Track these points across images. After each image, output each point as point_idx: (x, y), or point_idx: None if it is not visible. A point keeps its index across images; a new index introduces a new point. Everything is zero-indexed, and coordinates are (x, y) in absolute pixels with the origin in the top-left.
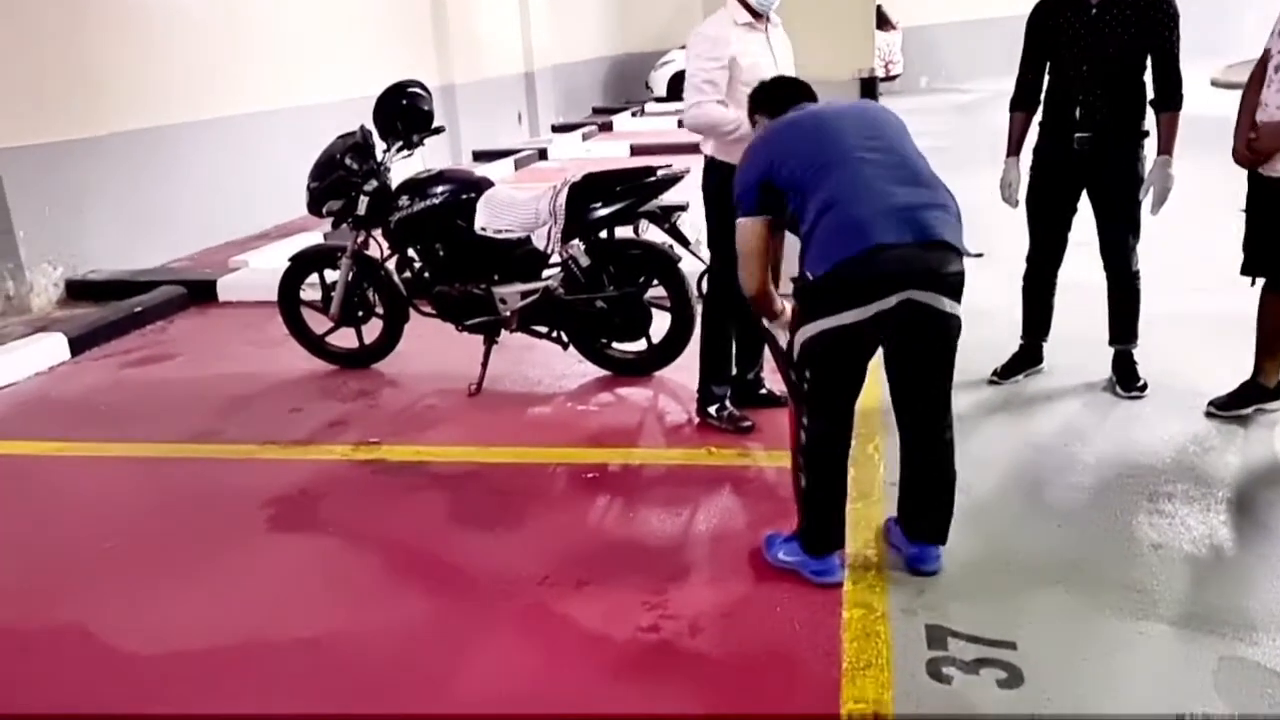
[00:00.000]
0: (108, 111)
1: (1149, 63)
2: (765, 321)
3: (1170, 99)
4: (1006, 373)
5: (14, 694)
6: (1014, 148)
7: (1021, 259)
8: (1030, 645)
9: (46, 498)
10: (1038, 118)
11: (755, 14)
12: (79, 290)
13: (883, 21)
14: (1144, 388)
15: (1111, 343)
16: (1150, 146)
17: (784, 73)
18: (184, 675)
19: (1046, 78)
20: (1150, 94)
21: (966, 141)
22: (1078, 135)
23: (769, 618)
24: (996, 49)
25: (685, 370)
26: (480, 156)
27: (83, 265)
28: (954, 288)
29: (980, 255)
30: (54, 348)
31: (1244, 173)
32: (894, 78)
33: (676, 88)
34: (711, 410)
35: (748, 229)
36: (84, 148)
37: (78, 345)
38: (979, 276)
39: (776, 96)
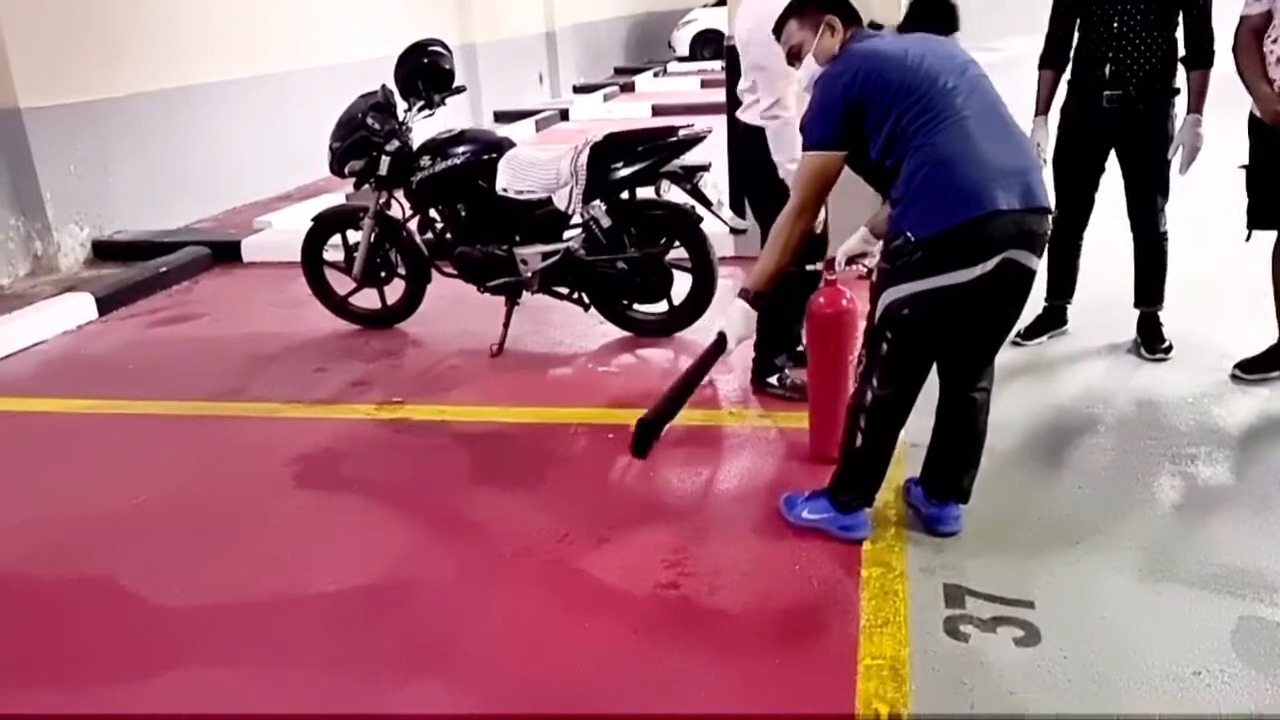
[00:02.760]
0: (134, 72)
1: (1180, 19)
2: (756, 301)
3: (1201, 56)
4: (1030, 334)
5: (46, 647)
6: (1042, 106)
7: None
8: (1048, 604)
9: (76, 454)
10: (1067, 76)
11: None
12: (106, 250)
13: None
14: (1169, 349)
15: (1137, 304)
16: (1181, 105)
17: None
18: (211, 629)
19: (1076, 35)
20: (1181, 51)
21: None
22: (1107, 93)
23: (788, 575)
24: (1025, 6)
25: (706, 332)
26: (501, 117)
27: (109, 226)
28: (1043, 247)
29: (1056, 214)
30: (82, 307)
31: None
32: None
33: (699, 47)
34: (772, 380)
35: (821, 164)
36: (110, 108)
37: (105, 305)
38: None
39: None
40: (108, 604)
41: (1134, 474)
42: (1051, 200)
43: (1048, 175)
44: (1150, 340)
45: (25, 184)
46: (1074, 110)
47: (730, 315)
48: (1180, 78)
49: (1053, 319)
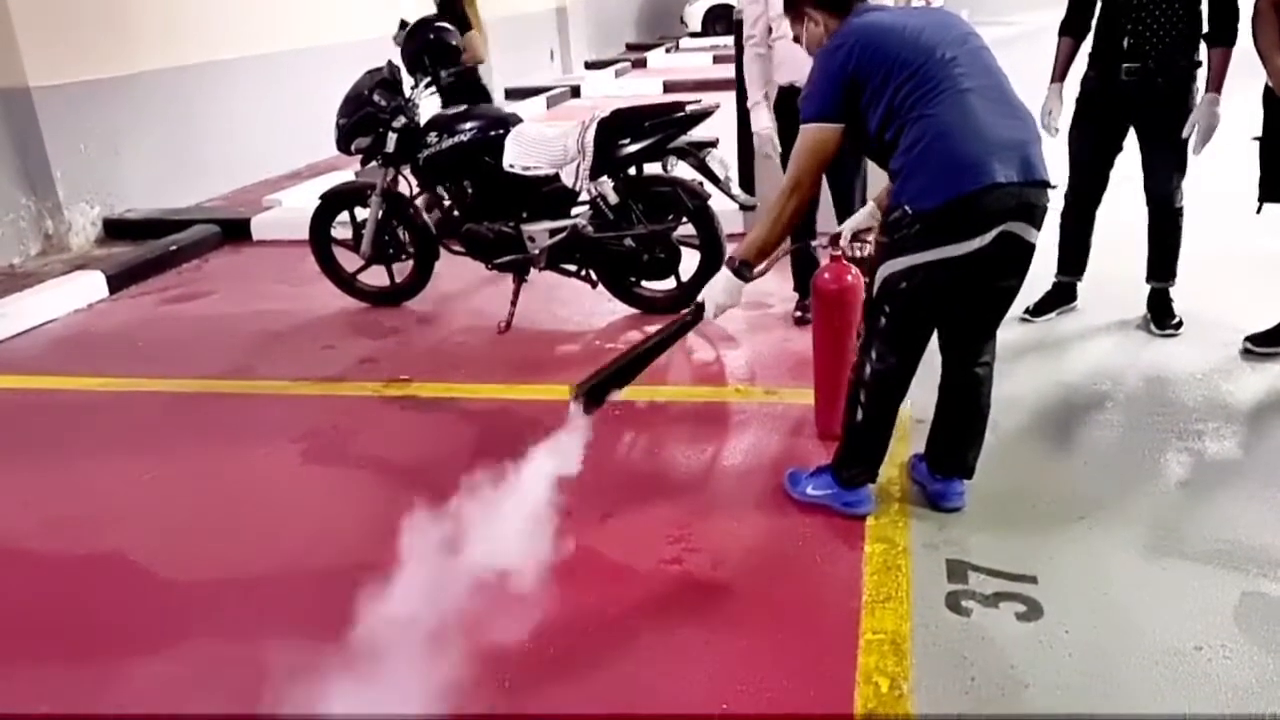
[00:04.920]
0: (143, 50)
1: None
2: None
3: (1223, 34)
4: (1039, 310)
5: (57, 619)
6: (1058, 74)
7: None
8: (1051, 580)
9: (86, 432)
10: (1087, 47)
11: None
12: (116, 229)
13: None
14: (1179, 325)
15: (1149, 279)
16: (1203, 79)
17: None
18: (218, 604)
19: (1098, 5)
20: (1205, 28)
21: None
22: (1125, 66)
23: (791, 551)
24: None
25: None
26: (512, 94)
27: (119, 204)
28: (1042, 220)
29: (1055, 187)
30: (93, 285)
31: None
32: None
33: (711, 22)
34: None
35: (818, 136)
36: (120, 86)
37: (115, 283)
38: None
39: None
40: (118, 578)
41: (1141, 450)
42: (1052, 174)
43: (1061, 145)
44: (1160, 316)
45: (36, 163)
46: (1092, 81)
47: (713, 283)
48: (1203, 52)
49: (1062, 295)
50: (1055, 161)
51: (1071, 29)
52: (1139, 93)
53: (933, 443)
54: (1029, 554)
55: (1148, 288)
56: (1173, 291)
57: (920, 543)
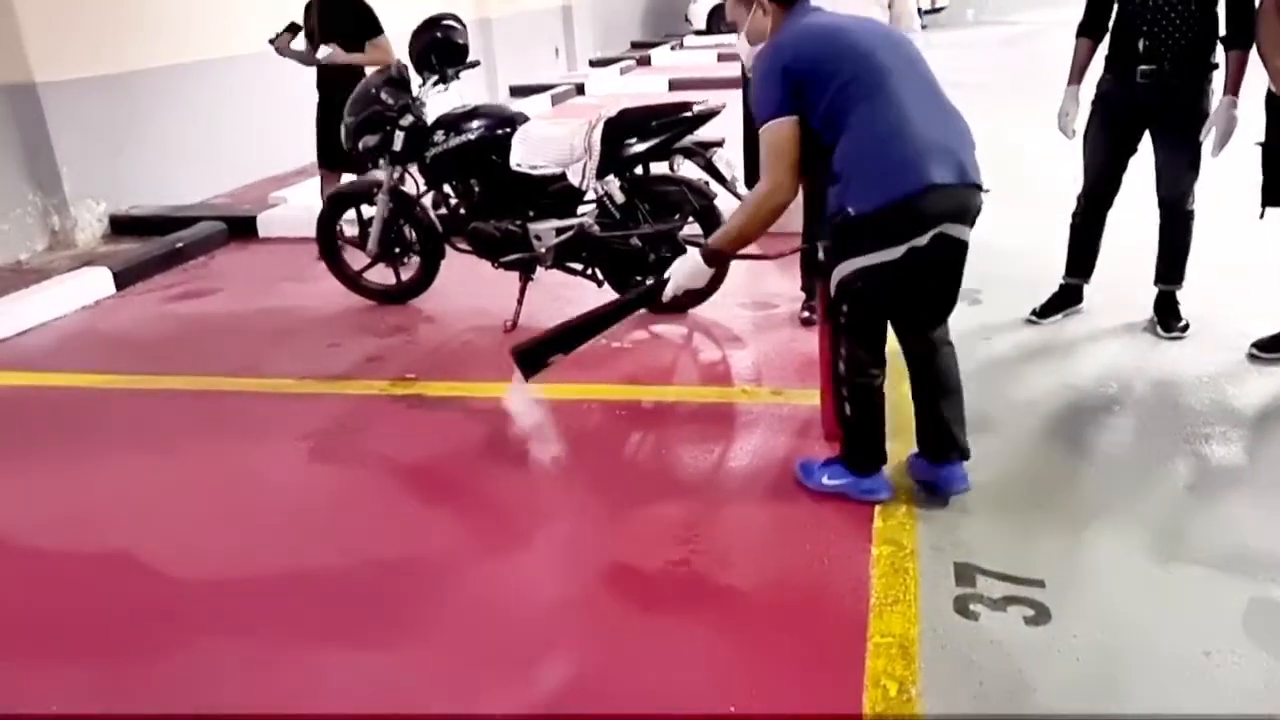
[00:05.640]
0: (151, 46)
1: None
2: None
3: (1242, 37)
4: (1045, 312)
5: (65, 621)
6: (1075, 75)
7: (1052, 196)
8: (1059, 584)
9: (93, 429)
10: (1103, 49)
11: None
12: (122, 225)
13: None
14: (1186, 328)
15: (1156, 282)
16: (1219, 82)
17: (850, 6)
18: (225, 602)
19: (1115, 7)
20: (1222, 30)
21: (1011, 76)
22: (1141, 68)
23: (799, 553)
24: None
25: (720, 308)
26: (517, 92)
27: (125, 200)
28: (975, 219)
29: (988, 191)
30: (99, 282)
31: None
32: (939, 10)
33: (716, 20)
34: None
35: (778, 131)
36: (127, 82)
37: (122, 280)
38: (1011, 212)
39: None
40: (127, 576)
41: (1148, 454)
42: (1066, 176)
43: (1076, 146)
44: (1167, 319)
45: (42, 159)
46: (1107, 84)
47: (680, 264)
48: (1219, 55)
49: (1068, 297)
50: (1069, 162)
51: (1089, 30)
52: (1155, 96)
53: (922, 433)
54: (1037, 558)
55: (1155, 290)
56: (1180, 295)
57: (928, 545)
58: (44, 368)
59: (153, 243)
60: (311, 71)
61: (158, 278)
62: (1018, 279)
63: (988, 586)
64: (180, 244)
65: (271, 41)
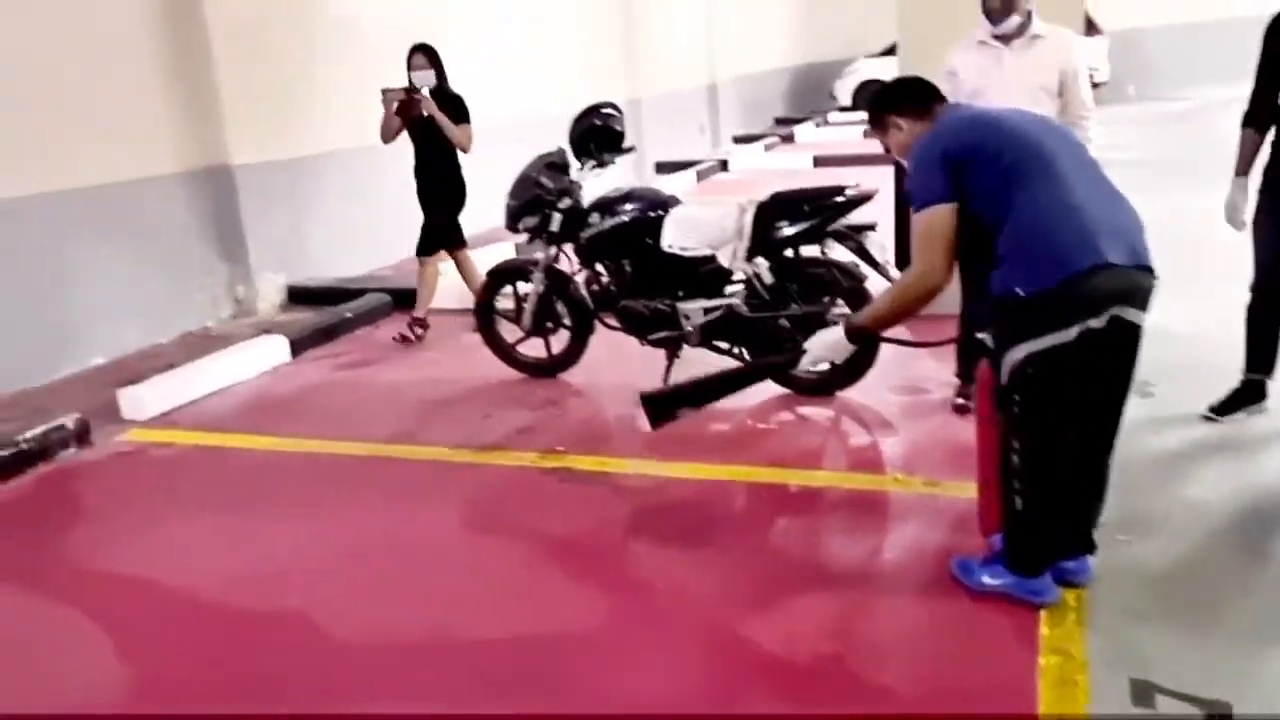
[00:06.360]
0: (324, 132)
1: None
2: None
3: None
4: (1225, 409)
5: (224, 677)
6: (1243, 167)
7: (1229, 278)
8: (1249, 708)
9: (266, 490)
10: (1270, 137)
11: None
12: (298, 296)
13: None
14: None
15: None
16: None
17: (1014, 97)
18: (382, 669)
19: None
20: None
21: (1175, 155)
22: None
23: (958, 657)
24: (1214, 55)
25: (869, 392)
26: (663, 168)
27: (301, 273)
28: (1148, 303)
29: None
30: (277, 349)
31: None
32: (1098, 85)
33: (861, 97)
34: None
35: (934, 217)
36: (306, 164)
37: (297, 347)
38: (1185, 295)
39: (915, 92)
40: (287, 637)
41: None
42: (1239, 268)
43: (1246, 239)
44: None
45: (232, 234)
46: (1275, 171)
47: (822, 336)
48: None
49: (1251, 394)
50: (1220, 251)
51: (1254, 121)
52: None
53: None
54: (1223, 677)
55: None
56: None
57: (1100, 658)
58: (225, 429)
59: (325, 313)
60: (461, 155)
61: (328, 346)
62: (1193, 368)
63: (1169, 707)
64: (349, 314)
65: (384, 90)
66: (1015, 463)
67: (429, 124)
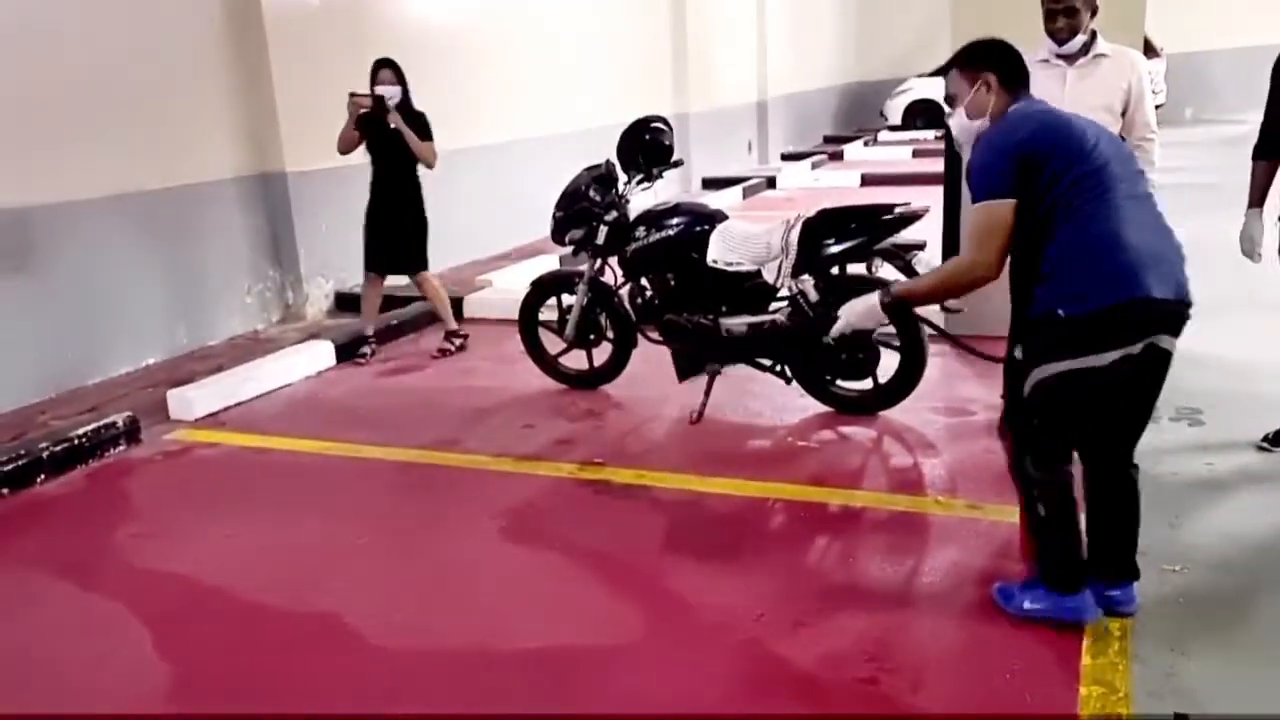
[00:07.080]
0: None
1: None
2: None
3: None
4: (1279, 440)
5: (267, 675)
6: (1256, 198)
7: None
8: None
9: (305, 492)
10: None
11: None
12: (345, 302)
13: (1147, 49)
14: None
15: None
16: None
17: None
18: (415, 675)
19: None
20: None
21: (1238, 178)
22: None
23: (998, 684)
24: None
25: (911, 412)
26: (710, 184)
27: (349, 280)
28: (1181, 332)
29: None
30: (323, 354)
31: None
32: (1157, 108)
33: (912, 117)
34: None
35: (997, 212)
36: (354, 172)
37: (342, 353)
38: (1237, 321)
39: (1019, 64)
40: (321, 641)
41: None
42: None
43: (1265, 270)
44: None
45: (285, 239)
46: None
47: (853, 303)
48: None
49: None
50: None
51: (1265, 152)
52: None
53: (1097, 552)
54: (1269, 714)
55: None
56: None
57: (1144, 690)
58: (271, 431)
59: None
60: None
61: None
62: (1244, 397)
63: None
64: (394, 321)
65: (353, 94)
66: (1029, 468)
67: (393, 139)
